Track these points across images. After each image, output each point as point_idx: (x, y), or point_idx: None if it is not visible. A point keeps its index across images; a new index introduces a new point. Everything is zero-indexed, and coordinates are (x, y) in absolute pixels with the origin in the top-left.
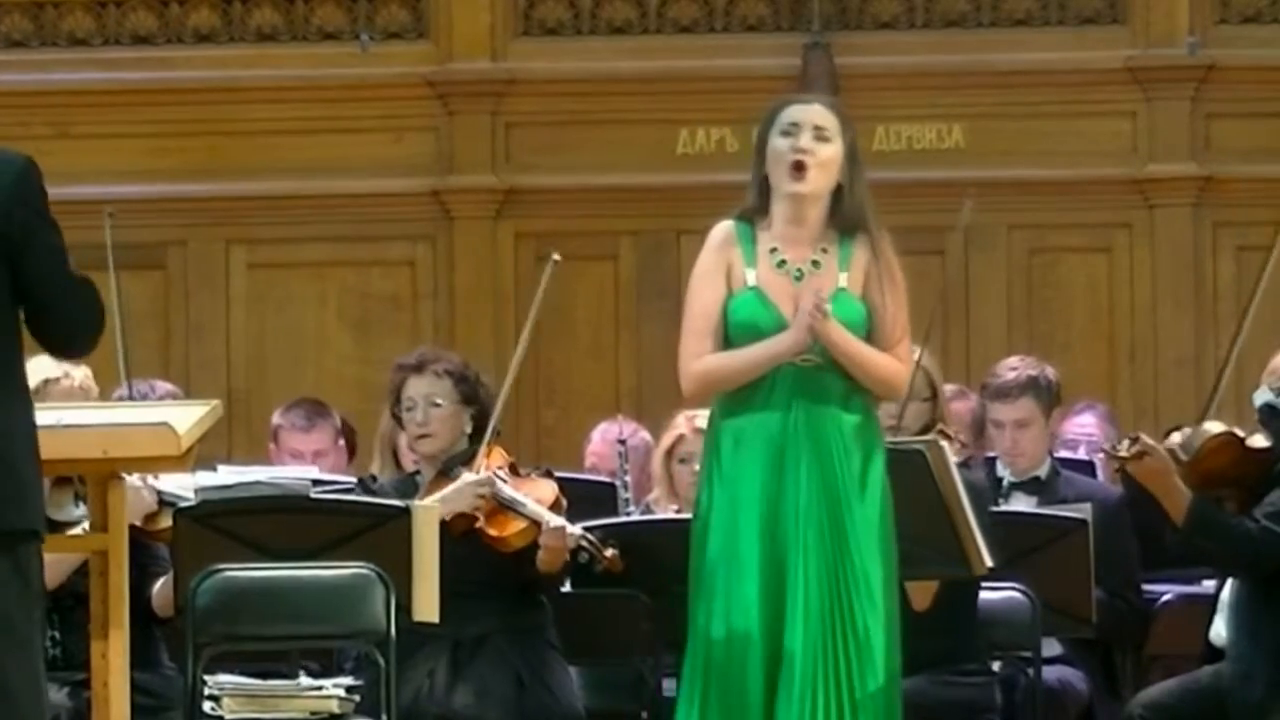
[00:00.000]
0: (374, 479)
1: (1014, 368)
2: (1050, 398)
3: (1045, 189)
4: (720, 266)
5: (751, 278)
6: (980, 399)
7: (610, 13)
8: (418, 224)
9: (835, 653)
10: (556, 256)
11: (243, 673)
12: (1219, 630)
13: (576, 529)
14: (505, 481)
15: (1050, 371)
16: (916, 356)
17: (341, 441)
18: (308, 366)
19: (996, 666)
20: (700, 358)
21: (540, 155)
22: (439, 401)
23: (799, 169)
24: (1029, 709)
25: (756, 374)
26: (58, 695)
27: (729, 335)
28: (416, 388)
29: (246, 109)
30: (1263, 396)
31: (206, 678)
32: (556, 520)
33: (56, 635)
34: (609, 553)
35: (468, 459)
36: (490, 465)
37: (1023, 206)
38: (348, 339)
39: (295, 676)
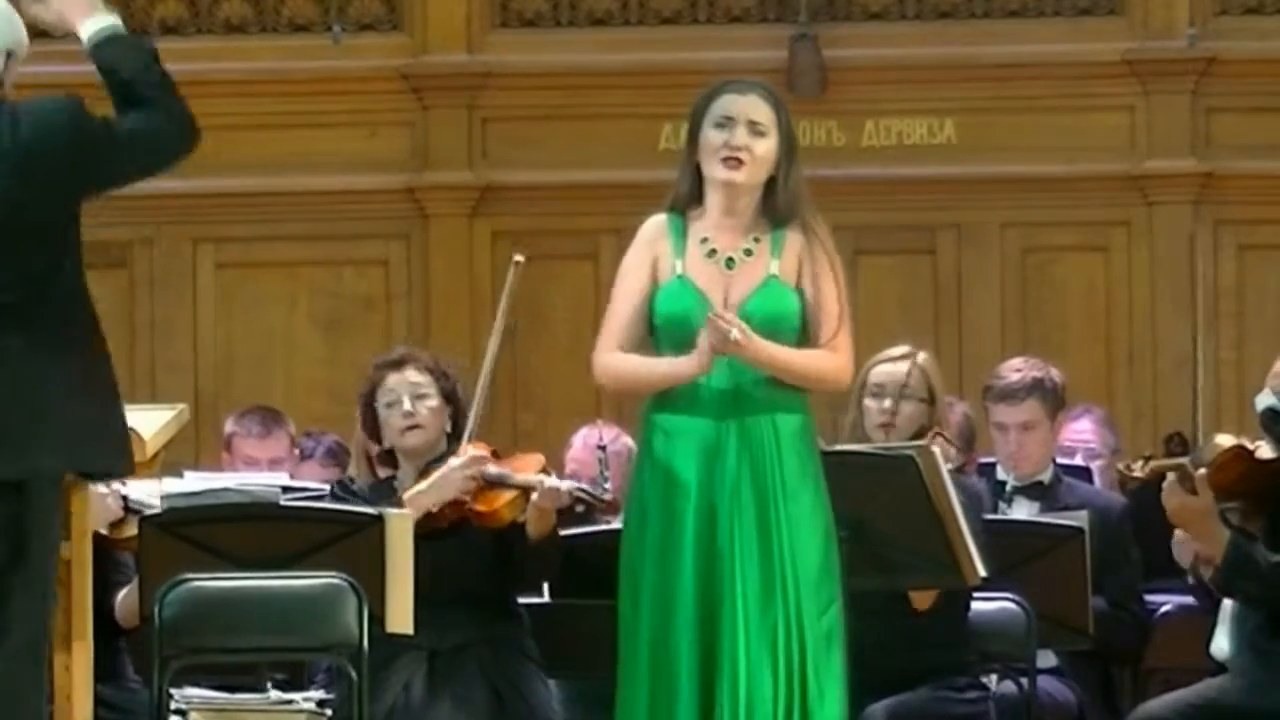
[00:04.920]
0: (352, 480)
1: (1019, 369)
2: (1056, 400)
3: (1040, 185)
4: (645, 261)
5: (679, 267)
6: (978, 403)
7: (590, 4)
8: (391, 222)
9: (775, 644)
10: (519, 258)
11: (210, 686)
12: (1220, 643)
13: (568, 483)
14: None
15: (1056, 374)
16: (919, 358)
17: (297, 450)
18: (277, 369)
19: (991, 679)
20: (612, 351)
21: (518, 151)
22: (425, 393)
23: (733, 164)
24: None
25: (658, 389)
26: None
27: (656, 325)
28: (399, 381)
29: (214, 103)
30: (1265, 401)
31: (173, 691)
32: (550, 480)
33: None
34: (607, 496)
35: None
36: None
37: (1017, 204)
38: (319, 340)
39: (264, 690)
